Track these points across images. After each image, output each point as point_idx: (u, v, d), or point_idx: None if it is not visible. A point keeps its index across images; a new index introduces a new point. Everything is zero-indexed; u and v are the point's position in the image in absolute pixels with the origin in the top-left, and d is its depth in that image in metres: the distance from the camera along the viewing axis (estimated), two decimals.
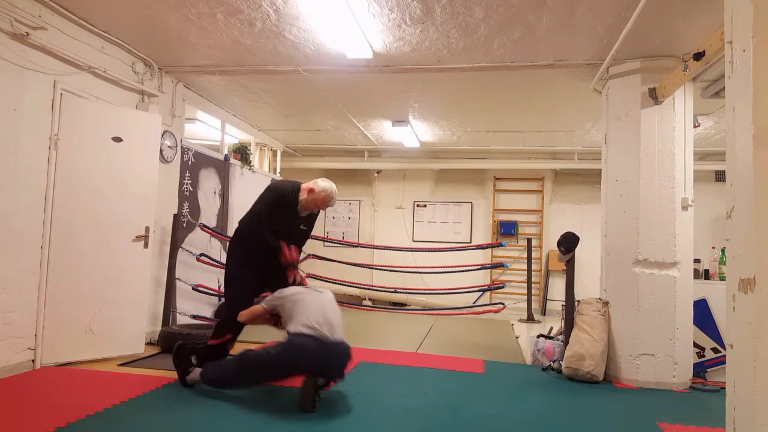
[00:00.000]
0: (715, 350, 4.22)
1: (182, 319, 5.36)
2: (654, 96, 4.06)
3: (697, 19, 3.51)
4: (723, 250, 4.21)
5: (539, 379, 4.08)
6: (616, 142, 4.32)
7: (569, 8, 3.53)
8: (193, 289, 5.51)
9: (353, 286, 7.90)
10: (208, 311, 6.03)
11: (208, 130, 6.90)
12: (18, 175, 3.60)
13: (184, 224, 5.57)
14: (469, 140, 7.72)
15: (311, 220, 3.74)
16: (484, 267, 7.84)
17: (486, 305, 7.65)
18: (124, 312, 4.25)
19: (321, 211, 3.76)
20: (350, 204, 9.36)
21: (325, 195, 3.51)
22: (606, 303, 4.24)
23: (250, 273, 3.52)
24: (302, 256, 3.77)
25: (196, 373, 3.37)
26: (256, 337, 5.30)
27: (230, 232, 6.52)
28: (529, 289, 7.58)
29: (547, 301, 8.39)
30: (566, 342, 4.23)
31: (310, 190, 3.51)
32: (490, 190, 8.98)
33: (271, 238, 3.44)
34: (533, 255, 8.02)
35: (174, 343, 4.40)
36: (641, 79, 4.15)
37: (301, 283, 3.57)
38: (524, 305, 7.61)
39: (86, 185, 4.05)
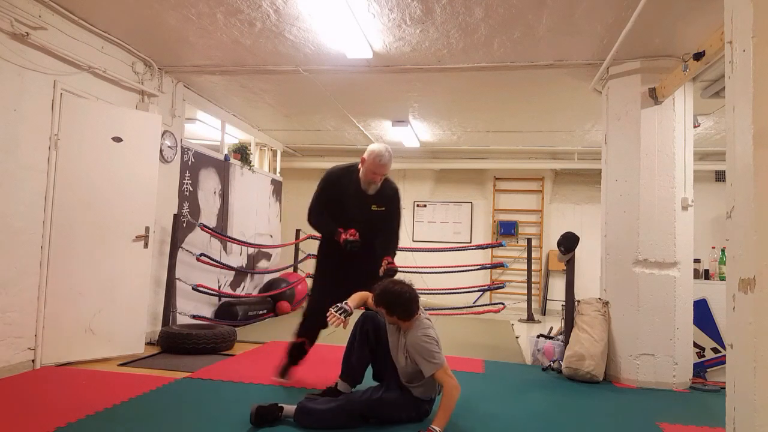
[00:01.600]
0: (715, 350, 4.21)
1: (182, 319, 5.36)
2: (654, 96, 4.06)
3: (697, 19, 3.51)
4: (723, 250, 4.21)
5: (539, 379, 4.08)
6: (616, 142, 4.32)
7: (569, 8, 3.53)
8: (193, 289, 5.50)
9: None
10: (208, 311, 6.03)
11: (208, 130, 6.90)
12: (18, 175, 3.60)
13: (184, 224, 5.57)
14: (469, 140, 7.72)
15: (387, 199, 3.36)
16: (484, 267, 7.84)
17: (486, 305, 7.65)
18: (124, 312, 4.24)
19: (393, 187, 3.42)
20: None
21: (374, 156, 3.17)
22: (606, 303, 4.24)
23: (325, 276, 3.45)
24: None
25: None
26: (256, 337, 5.31)
27: (230, 232, 6.54)
28: (529, 289, 7.58)
29: (547, 301, 8.39)
30: (566, 342, 4.23)
31: (362, 161, 3.28)
32: (490, 190, 8.98)
33: (324, 221, 3.32)
34: (533, 255, 8.02)
35: (174, 343, 4.43)
36: (641, 79, 4.15)
37: (390, 270, 3.21)
38: (524, 305, 7.61)
39: (86, 185, 4.05)
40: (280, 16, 3.80)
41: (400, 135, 7.31)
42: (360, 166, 3.34)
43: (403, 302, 2.75)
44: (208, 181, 6.09)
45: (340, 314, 2.79)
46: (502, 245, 7.87)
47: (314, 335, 3.61)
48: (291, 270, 7.93)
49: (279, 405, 2.82)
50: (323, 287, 3.45)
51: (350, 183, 3.30)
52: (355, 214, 3.31)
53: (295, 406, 2.79)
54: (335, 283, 3.31)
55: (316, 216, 3.39)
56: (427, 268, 7.91)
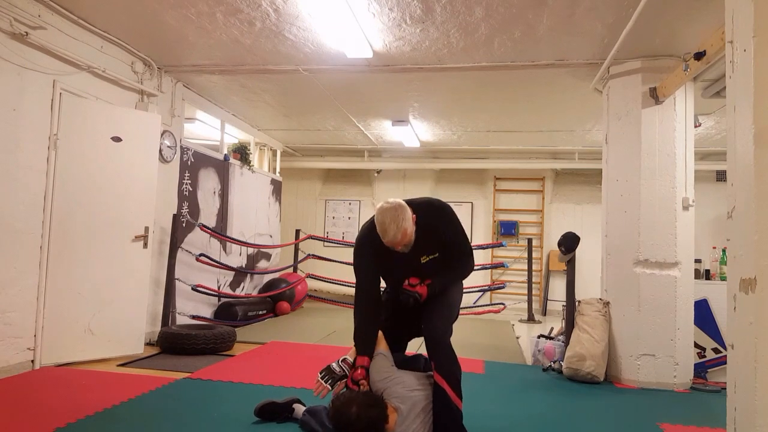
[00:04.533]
0: (716, 350, 4.21)
1: (182, 320, 5.35)
2: (655, 96, 4.05)
3: (698, 18, 3.50)
4: (724, 250, 4.20)
5: (540, 380, 4.07)
6: (616, 141, 4.31)
7: (570, 8, 3.52)
8: (192, 289, 5.50)
9: (353, 286, 7.88)
10: (207, 311, 6.03)
11: (208, 129, 6.89)
12: (17, 175, 3.60)
13: (184, 224, 5.56)
14: (470, 140, 7.71)
15: (433, 239, 2.54)
16: (484, 267, 7.83)
17: (486, 305, 7.64)
18: (124, 312, 4.24)
19: (433, 222, 2.54)
20: (350, 204, 9.36)
21: (380, 232, 2.44)
22: (607, 303, 4.23)
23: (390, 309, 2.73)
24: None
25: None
26: (256, 338, 5.30)
27: (229, 232, 6.53)
28: (530, 289, 7.57)
29: (548, 302, 8.38)
30: (567, 342, 4.22)
31: None
32: (491, 190, 8.97)
33: (359, 331, 2.62)
34: (534, 255, 8.01)
35: (173, 344, 4.43)
36: (642, 78, 4.14)
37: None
38: (525, 305, 7.60)
39: (86, 185, 4.04)
40: (279, 16, 3.80)
41: (400, 135, 7.31)
42: None
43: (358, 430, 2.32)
44: (208, 181, 6.08)
45: (325, 380, 2.46)
46: (502, 245, 7.87)
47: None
48: (291, 270, 7.92)
49: (293, 405, 2.78)
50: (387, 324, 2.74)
51: (382, 246, 2.51)
52: (398, 276, 2.62)
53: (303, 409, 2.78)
54: (397, 323, 2.73)
55: (361, 302, 2.67)
56: None
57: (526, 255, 7.77)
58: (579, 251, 4.44)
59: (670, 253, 4.01)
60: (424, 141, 7.80)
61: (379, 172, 9.20)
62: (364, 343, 2.59)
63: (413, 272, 2.55)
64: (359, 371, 2.53)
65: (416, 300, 2.47)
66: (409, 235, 2.44)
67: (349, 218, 9.38)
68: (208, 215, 6.09)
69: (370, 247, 2.59)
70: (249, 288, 7.15)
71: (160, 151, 4.87)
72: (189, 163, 5.65)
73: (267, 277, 7.55)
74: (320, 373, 2.48)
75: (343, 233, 9.26)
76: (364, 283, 2.67)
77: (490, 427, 2.91)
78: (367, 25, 3.88)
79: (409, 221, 2.44)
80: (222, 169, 6.40)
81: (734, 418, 1.91)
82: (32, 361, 3.74)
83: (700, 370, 4.18)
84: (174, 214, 5.26)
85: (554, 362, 4.32)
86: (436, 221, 2.56)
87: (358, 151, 8.64)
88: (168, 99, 5.19)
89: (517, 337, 5.95)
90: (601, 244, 4.44)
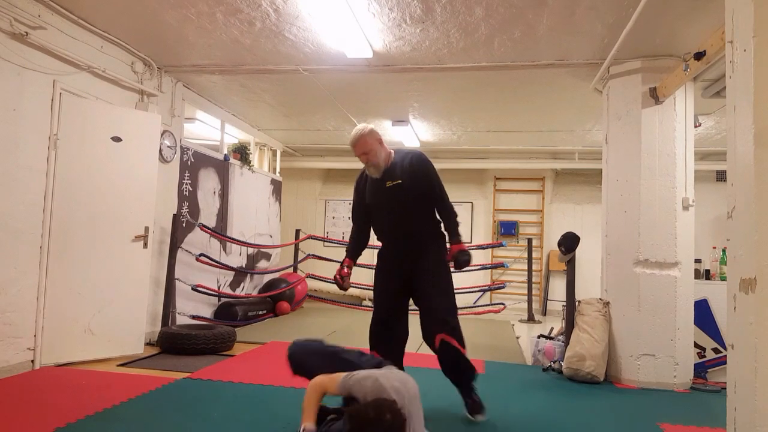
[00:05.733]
0: (716, 350, 4.20)
1: (182, 320, 5.35)
2: (655, 96, 4.05)
3: (698, 18, 3.50)
4: (724, 250, 4.20)
5: (540, 380, 4.07)
6: (616, 141, 4.31)
7: (570, 8, 3.52)
8: (192, 289, 5.50)
9: (353, 286, 7.84)
10: (207, 311, 6.03)
11: (208, 129, 6.89)
12: (17, 175, 3.60)
13: (184, 224, 5.56)
14: (470, 140, 7.71)
15: (402, 171, 3.06)
16: (484, 267, 7.83)
17: (486, 305, 7.64)
18: (124, 312, 4.24)
19: (409, 162, 3.11)
20: (350, 204, 9.34)
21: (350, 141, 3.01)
22: (607, 303, 4.23)
23: (377, 285, 3.19)
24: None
25: None
26: (256, 338, 5.30)
27: (229, 232, 6.53)
28: (530, 289, 7.57)
29: (548, 302, 8.38)
30: (567, 342, 4.22)
31: None
32: (491, 189, 8.97)
33: (350, 240, 3.34)
34: (534, 255, 8.01)
35: (173, 344, 4.42)
36: (642, 78, 4.14)
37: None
38: (525, 305, 7.60)
39: (85, 185, 4.04)
40: (279, 16, 3.80)
41: (400, 135, 7.30)
42: None
43: None
44: (208, 181, 6.08)
45: None
46: (502, 245, 7.87)
47: (385, 347, 3.13)
48: (291, 270, 7.92)
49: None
50: (377, 298, 3.19)
51: (365, 178, 3.18)
52: (375, 205, 3.13)
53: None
54: (387, 295, 3.14)
55: (352, 230, 3.35)
56: None
57: (526, 255, 7.76)
58: (579, 251, 4.44)
59: (670, 253, 4.01)
60: (424, 141, 7.80)
61: None
62: (351, 250, 3.27)
63: (379, 198, 3.06)
64: (345, 270, 3.16)
65: (469, 256, 3.07)
66: (368, 146, 2.95)
67: (349, 218, 9.34)
68: (208, 215, 6.09)
69: (358, 182, 3.21)
70: (249, 288, 7.15)
71: (160, 151, 4.87)
72: (189, 163, 5.65)
73: (267, 277, 7.55)
74: None
75: (343, 233, 9.25)
76: (354, 211, 3.30)
77: (490, 427, 2.91)
78: (367, 25, 3.88)
79: (372, 139, 2.96)
80: (222, 169, 6.40)
81: (734, 418, 1.90)
82: (32, 361, 3.74)
83: (700, 370, 4.18)
84: (174, 214, 5.26)
85: (554, 362, 4.32)
86: (410, 162, 3.08)
87: None
88: (168, 99, 5.19)
89: (517, 337, 5.95)
90: (601, 244, 4.44)
